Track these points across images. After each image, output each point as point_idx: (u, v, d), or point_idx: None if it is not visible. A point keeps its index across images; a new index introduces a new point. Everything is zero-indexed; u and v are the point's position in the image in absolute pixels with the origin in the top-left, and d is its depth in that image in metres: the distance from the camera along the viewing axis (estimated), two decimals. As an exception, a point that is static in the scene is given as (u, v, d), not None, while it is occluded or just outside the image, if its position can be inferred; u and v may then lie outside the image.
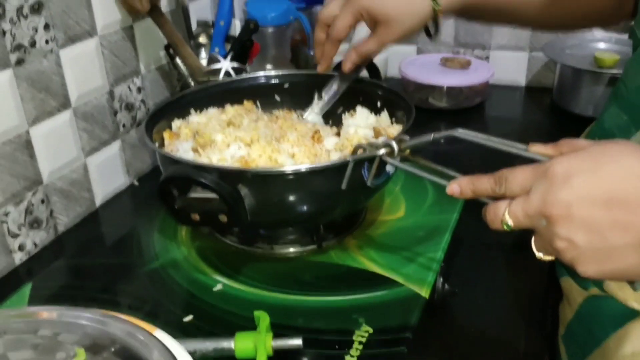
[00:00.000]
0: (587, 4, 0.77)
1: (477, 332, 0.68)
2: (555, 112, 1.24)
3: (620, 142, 0.46)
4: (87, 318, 0.47)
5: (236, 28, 1.13)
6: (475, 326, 0.69)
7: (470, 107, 1.25)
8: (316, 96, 0.85)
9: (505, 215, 0.48)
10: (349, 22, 0.76)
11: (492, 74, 1.25)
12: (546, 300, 0.75)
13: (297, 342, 0.58)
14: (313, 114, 0.84)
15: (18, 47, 0.76)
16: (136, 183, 1.01)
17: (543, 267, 0.78)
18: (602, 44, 1.24)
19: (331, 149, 0.73)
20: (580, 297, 0.67)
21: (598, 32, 1.27)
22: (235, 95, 0.89)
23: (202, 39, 1.09)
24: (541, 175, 0.46)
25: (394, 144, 0.62)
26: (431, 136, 0.58)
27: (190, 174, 0.62)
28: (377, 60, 1.33)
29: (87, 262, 0.79)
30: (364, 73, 0.85)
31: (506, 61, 1.34)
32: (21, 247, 0.81)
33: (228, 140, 0.72)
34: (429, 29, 0.79)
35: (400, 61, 1.31)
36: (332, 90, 0.84)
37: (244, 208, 0.64)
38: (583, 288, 0.67)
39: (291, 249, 0.76)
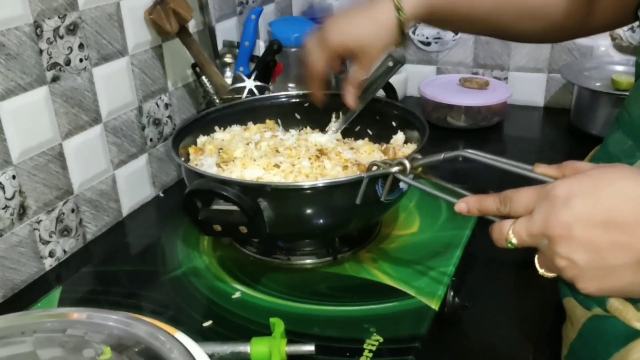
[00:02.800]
0: (555, 18, 0.77)
1: (485, 347, 0.70)
2: (573, 132, 1.25)
3: (618, 166, 0.48)
4: (113, 319, 0.50)
5: (260, 48, 1.17)
6: (484, 341, 0.71)
7: (489, 126, 1.27)
8: (334, 115, 0.89)
9: (509, 234, 0.50)
10: (323, 63, 0.80)
11: (510, 95, 1.27)
12: (555, 320, 0.77)
13: (310, 348, 0.61)
14: (331, 131, 0.88)
15: (54, 66, 0.81)
16: (161, 195, 1.05)
17: (553, 286, 0.80)
18: (619, 67, 1.26)
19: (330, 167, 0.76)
20: (583, 317, 0.68)
21: (616, 55, 1.29)
22: (258, 113, 0.93)
23: (228, 59, 1.13)
24: (543, 196, 0.48)
25: (407, 162, 0.65)
26: (442, 156, 0.61)
27: (213, 187, 0.66)
28: (397, 80, 1.37)
29: (113, 268, 0.83)
30: (381, 92, 0.88)
31: (525, 82, 1.37)
32: (51, 254, 0.85)
33: (247, 160, 0.75)
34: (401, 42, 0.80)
35: (420, 81, 1.34)
36: (348, 112, 0.87)
37: (263, 220, 0.67)
38: (586, 308, 0.68)
39: (307, 260, 0.79)
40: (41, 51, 0.79)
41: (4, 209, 0.77)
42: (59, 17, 0.81)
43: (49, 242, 0.84)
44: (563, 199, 0.46)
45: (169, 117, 1.05)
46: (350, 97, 0.82)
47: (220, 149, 0.81)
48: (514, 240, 0.50)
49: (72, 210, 0.87)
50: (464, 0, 0.77)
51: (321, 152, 0.79)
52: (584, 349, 0.68)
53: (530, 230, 0.48)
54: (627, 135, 0.67)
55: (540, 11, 0.76)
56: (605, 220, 0.45)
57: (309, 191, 0.68)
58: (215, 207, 0.66)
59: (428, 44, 1.42)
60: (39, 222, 0.82)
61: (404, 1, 0.75)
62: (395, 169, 0.65)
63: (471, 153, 0.57)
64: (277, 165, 0.73)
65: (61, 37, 0.82)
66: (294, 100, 0.94)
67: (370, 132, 0.90)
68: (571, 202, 0.46)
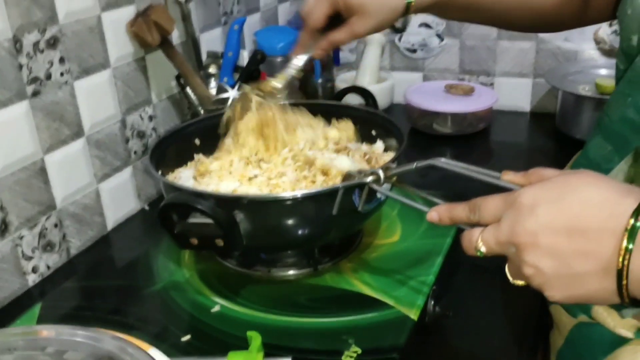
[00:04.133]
0: (553, 7, 0.79)
1: (468, 355, 0.70)
2: (558, 137, 1.26)
3: (583, 173, 0.48)
4: (83, 336, 0.50)
5: (244, 59, 1.18)
6: (467, 349, 0.71)
7: (475, 132, 1.27)
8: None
9: (478, 242, 0.50)
10: (325, 11, 0.77)
11: (496, 100, 1.27)
12: (539, 326, 0.76)
13: (287, 361, 0.61)
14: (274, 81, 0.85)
15: (34, 80, 0.81)
16: (147, 208, 1.05)
17: (537, 293, 0.80)
18: (603, 71, 1.26)
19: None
20: (569, 325, 0.69)
21: (600, 59, 1.29)
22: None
23: (212, 69, 1.13)
24: (510, 204, 0.48)
25: (380, 172, 0.65)
26: (414, 165, 0.61)
27: (187, 201, 0.66)
28: (382, 87, 1.37)
29: (95, 283, 0.83)
30: (361, 100, 0.88)
31: (510, 87, 1.37)
32: (35, 270, 0.85)
33: (222, 172, 0.75)
34: (397, 24, 0.80)
35: (406, 88, 1.34)
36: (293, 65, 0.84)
37: (239, 233, 0.67)
38: (572, 315, 0.68)
39: (288, 272, 0.79)
40: (21, 66, 0.79)
41: (-16, 225, 0.77)
42: (38, 31, 0.81)
43: (31, 257, 0.84)
44: (528, 207, 0.46)
45: (154, 129, 1.05)
46: (319, 51, 0.80)
47: (197, 161, 0.81)
48: (483, 249, 0.50)
49: (55, 225, 0.87)
50: None
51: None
52: (571, 356, 0.68)
53: (498, 239, 0.49)
54: (606, 140, 0.68)
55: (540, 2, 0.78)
56: (569, 227, 0.45)
57: (284, 202, 0.68)
58: (191, 220, 0.66)
59: (414, 50, 1.43)
60: (21, 237, 0.82)
61: None
62: (369, 178, 0.66)
63: (443, 162, 0.58)
64: (250, 179, 0.73)
65: (41, 52, 0.82)
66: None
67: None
68: (536, 210, 0.46)
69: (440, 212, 0.55)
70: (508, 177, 0.52)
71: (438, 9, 0.81)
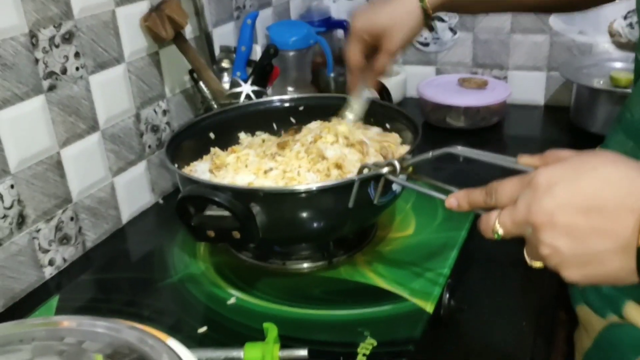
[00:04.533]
0: None
1: (481, 349, 0.70)
2: (573, 130, 1.25)
3: (600, 153, 0.47)
4: (103, 327, 0.50)
5: (257, 53, 1.18)
6: (481, 343, 0.71)
7: (488, 126, 1.27)
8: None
9: (495, 225, 0.50)
10: (359, 49, 0.79)
11: (509, 94, 1.27)
12: (554, 321, 0.76)
13: (303, 353, 0.61)
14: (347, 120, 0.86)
15: (50, 75, 0.82)
16: (161, 201, 1.06)
17: (553, 286, 0.79)
18: (618, 64, 1.25)
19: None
20: (598, 326, 0.68)
21: (614, 52, 1.28)
22: (254, 117, 0.93)
23: (225, 64, 1.13)
24: (526, 185, 0.48)
25: (396, 163, 0.65)
26: (430, 154, 0.61)
27: (204, 193, 0.66)
28: (395, 81, 1.37)
29: (111, 276, 0.83)
30: (375, 94, 0.88)
31: (524, 81, 1.37)
32: (51, 262, 0.86)
33: (239, 165, 0.75)
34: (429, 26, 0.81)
35: (419, 82, 1.34)
36: (354, 109, 0.86)
37: (255, 225, 0.67)
38: (601, 316, 0.68)
39: (302, 265, 0.79)
40: (37, 60, 0.80)
41: (2, 218, 0.77)
42: (54, 27, 0.81)
43: (48, 250, 0.85)
44: (545, 186, 0.46)
45: (167, 123, 1.06)
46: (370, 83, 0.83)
47: (214, 154, 0.82)
48: (500, 231, 0.50)
49: (71, 219, 0.88)
50: None
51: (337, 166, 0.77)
52: (600, 358, 0.67)
53: (515, 219, 0.48)
54: (628, 136, 0.67)
55: None
56: (586, 206, 0.44)
57: (300, 195, 0.68)
58: (208, 213, 0.67)
59: (427, 44, 1.42)
60: (38, 230, 0.83)
61: None
62: (385, 169, 0.66)
63: (459, 150, 0.58)
64: (266, 172, 0.73)
65: (57, 46, 0.82)
66: (289, 104, 0.95)
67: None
68: (553, 189, 0.46)
69: (458, 197, 0.55)
70: (525, 160, 0.52)
71: (455, 6, 0.81)
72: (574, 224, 0.45)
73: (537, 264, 0.50)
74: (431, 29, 0.80)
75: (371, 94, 0.85)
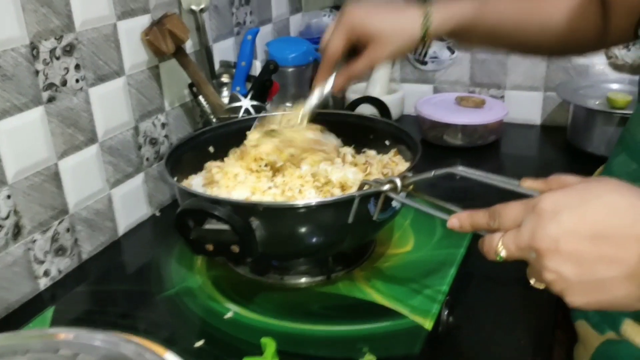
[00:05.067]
0: (571, 32, 0.76)
1: (481, 366, 0.70)
2: (569, 150, 1.26)
3: (605, 180, 0.48)
4: (100, 340, 0.50)
5: (257, 68, 1.18)
6: (480, 360, 0.70)
7: (485, 144, 1.27)
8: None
9: (498, 247, 0.50)
10: (342, 42, 0.75)
11: (506, 113, 1.27)
12: (553, 339, 0.76)
13: (301, 368, 0.61)
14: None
15: (50, 86, 0.82)
16: (158, 214, 1.05)
17: (551, 304, 0.79)
18: (615, 85, 1.26)
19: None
20: (596, 342, 0.68)
21: (611, 73, 1.29)
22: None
23: (225, 79, 1.14)
24: (530, 210, 0.48)
25: (397, 181, 0.65)
26: (432, 173, 0.61)
27: (204, 207, 0.66)
28: (393, 99, 1.38)
29: (107, 288, 0.83)
30: (375, 111, 0.88)
31: (521, 100, 1.37)
32: (46, 273, 0.85)
33: (229, 182, 0.75)
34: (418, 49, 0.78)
35: (416, 100, 1.35)
36: (312, 99, 0.82)
37: (254, 239, 0.67)
38: (599, 332, 0.67)
39: (301, 280, 0.79)
40: (37, 72, 0.80)
41: (-2, 228, 0.77)
42: (55, 39, 0.82)
43: (43, 261, 0.84)
44: (550, 213, 0.46)
45: (166, 136, 1.06)
46: (339, 85, 0.79)
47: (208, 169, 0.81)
48: (503, 253, 0.50)
49: (67, 230, 0.88)
50: (489, 17, 0.76)
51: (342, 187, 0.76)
52: None
53: (519, 244, 0.48)
54: (631, 158, 0.67)
55: (559, 26, 0.75)
56: (592, 233, 0.45)
57: (300, 210, 0.68)
58: (207, 226, 0.67)
59: (425, 63, 1.43)
60: (33, 241, 0.82)
61: (433, 13, 0.74)
62: (386, 187, 0.66)
63: (461, 170, 0.58)
64: (264, 192, 0.73)
65: (57, 58, 0.82)
66: (288, 119, 0.94)
67: (364, 151, 0.89)
68: (558, 216, 0.46)
69: (461, 218, 0.55)
70: (528, 184, 0.52)
71: (455, 37, 0.80)
72: (580, 250, 0.45)
73: (542, 285, 0.50)
74: (416, 51, 0.78)
75: (329, 89, 0.80)
